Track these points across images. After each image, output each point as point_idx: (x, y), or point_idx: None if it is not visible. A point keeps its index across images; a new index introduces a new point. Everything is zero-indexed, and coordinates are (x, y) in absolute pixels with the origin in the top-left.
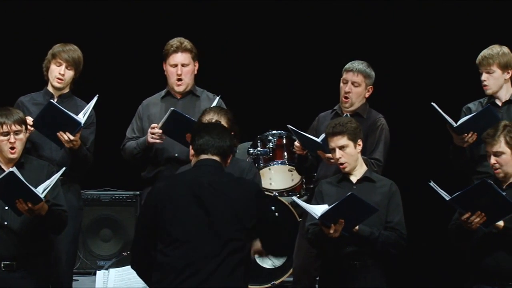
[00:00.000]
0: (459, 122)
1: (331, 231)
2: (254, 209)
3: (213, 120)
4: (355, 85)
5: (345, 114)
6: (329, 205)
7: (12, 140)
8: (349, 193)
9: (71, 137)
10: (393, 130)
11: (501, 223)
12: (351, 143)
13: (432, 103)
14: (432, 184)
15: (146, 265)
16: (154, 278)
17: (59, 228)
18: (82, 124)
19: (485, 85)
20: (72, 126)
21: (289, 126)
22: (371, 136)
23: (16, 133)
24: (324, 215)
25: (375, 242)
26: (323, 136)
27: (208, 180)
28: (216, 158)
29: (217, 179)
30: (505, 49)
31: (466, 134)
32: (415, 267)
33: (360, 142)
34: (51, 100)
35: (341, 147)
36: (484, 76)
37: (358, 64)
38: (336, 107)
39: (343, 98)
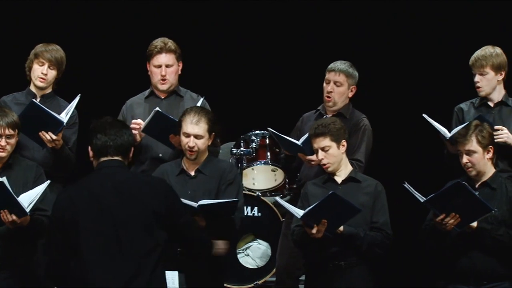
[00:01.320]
0: (452, 133)
1: (314, 231)
2: (163, 206)
3: (194, 120)
4: (337, 84)
5: (325, 115)
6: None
7: (3, 143)
8: (331, 191)
9: (54, 137)
10: (378, 131)
11: (474, 224)
12: (334, 144)
13: (424, 115)
14: (406, 185)
15: (63, 278)
16: None
17: (39, 236)
18: (64, 124)
19: (478, 87)
20: (54, 125)
21: (269, 129)
22: (353, 136)
23: (8, 137)
24: (307, 214)
25: (361, 243)
26: (304, 138)
27: (112, 183)
28: (117, 158)
29: (121, 181)
30: (498, 50)
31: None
32: (403, 266)
33: (344, 142)
34: (33, 100)
35: (324, 148)
36: (477, 78)
37: (340, 64)
38: (320, 108)
39: (326, 98)
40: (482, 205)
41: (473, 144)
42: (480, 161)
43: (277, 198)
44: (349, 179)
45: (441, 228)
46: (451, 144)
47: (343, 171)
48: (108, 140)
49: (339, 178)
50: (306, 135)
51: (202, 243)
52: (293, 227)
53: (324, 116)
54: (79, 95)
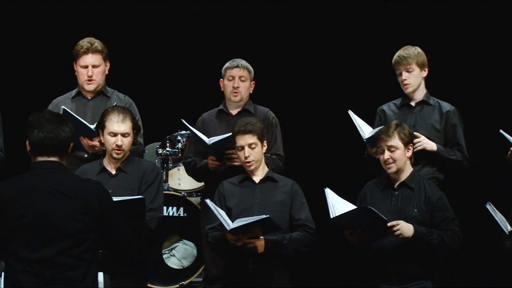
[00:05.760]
0: (368, 135)
1: (235, 240)
2: (97, 208)
3: (120, 119)
4: (242, 79)
5: (230, 113)
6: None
7: None
8: (267, 216)
9: None
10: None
11: (411, 232)
12: (259, 143)
13: (349, 111)
14: (326, 190)
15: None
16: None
17: None
18: None
19: (406, 84)
20: None
21: (183, 120)
22: (267, 132)
23: None
24: (236, 229)
25: (286, 250)
26: (216, 138)
27: (47, 186)
28: (54, 158)
29: (57, 184)
30: (419, 49)
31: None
32: (329, 267)
33: (265, 143)
34: None
35: (251, 145)
36: (404, 75)
37: (241, 61)
38: (222, 106)
39: (233, 94)
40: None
41: (395, 140)
42: (401, 157)
43: (208, 201)
44: (266, 179)
45: (350, 240)
46: (369, 146)
47: (261, 171)
48: (45, 138)
49: (257, 178)
50: (218, 137)
51: (131, 248)
52: (206, 229)
53: (233, 116)
54: None
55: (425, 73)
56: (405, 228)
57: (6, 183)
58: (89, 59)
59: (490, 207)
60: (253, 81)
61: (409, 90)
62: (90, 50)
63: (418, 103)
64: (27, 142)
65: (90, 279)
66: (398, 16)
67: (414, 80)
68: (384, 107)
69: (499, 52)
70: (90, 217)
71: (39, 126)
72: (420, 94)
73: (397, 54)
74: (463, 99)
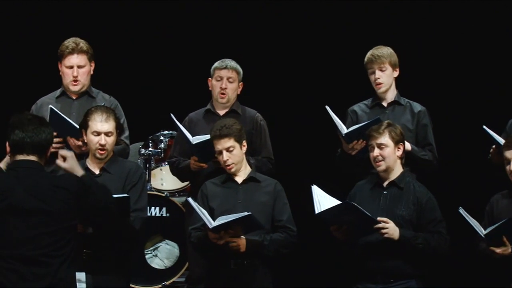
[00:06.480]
0: (347, 131)
1: (217, 238)
2: (75, 208)
3: (103, 118)
4: (230, 80)
5: (217, 113)
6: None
7: None
8: (249, 213)
9: None
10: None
11: (396, 235)
12: (237, 145)
13: (327, 107)
14: (313, 187)
15: None
16: None
17: None
18: None
19: (379, 83)
20: None
21: (172, 115)
22: (256, 136)
23: None
24: (218, 227)
25: (267, 251)
26: (200, 139)
27: (24, 186)
28: (33, 158)
29: (35, 184)
30: (391, 49)
31: (356, 141)
32: (303, 266)
33: (244, 143)
34: None
35: (229, 149)
36: (377, 74)
37: (230, 61)
38: (209, 106)
39: (220, 95)
40: (374, 221)
41: (385, 138)
42: (390, 155)
43: (190, 200)
44: (249, 179)
45: (336, 236)
46: (345, 142)
47: (243, 171)
48: (25, 137)
49: (239, 178)
50: (203, 138)
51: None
52: (189, 230)
53: (220, 116)
54: None
55: (396, 73)
56: (393, 230)
57: None
58: (74, 59)
59: (462, 212)
60: (241, 82)
61: (381, 89)
62: (75, 50)
63: (390, 103)
64: (7, 143)
65: (60, 278)
66: (368, 17)
67: (386, 79)
68: (355, 107)
69: (466, 53)
70: (71, 213)
71: (21, 126)
72: (392, 94)
73: (369, 53)
74: (430, 100)
